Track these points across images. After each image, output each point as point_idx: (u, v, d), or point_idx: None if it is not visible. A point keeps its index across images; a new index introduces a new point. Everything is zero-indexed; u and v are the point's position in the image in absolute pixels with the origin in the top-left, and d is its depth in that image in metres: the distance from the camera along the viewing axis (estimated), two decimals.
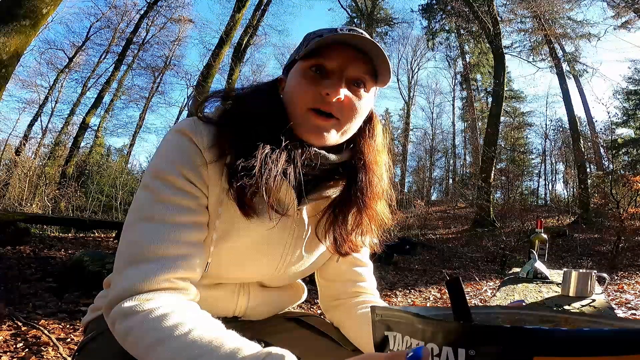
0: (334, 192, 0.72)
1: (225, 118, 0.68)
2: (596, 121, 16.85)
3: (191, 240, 0.61)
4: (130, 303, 0.55)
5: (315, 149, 0.67)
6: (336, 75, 0.67)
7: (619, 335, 0.30)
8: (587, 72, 16.14)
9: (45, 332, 2.27)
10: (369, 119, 0.76)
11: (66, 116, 15.43)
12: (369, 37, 0.65)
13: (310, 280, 0.91)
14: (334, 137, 0.68)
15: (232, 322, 0.76)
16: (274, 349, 0.49)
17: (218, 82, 14.08)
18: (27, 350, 2.07)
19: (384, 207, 0.77)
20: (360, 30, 0.67)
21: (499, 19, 13.12)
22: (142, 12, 15.84)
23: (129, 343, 0.54)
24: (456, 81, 24.07)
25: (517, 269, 2.29)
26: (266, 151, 0.63)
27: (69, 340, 2.28)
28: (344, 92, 0.66)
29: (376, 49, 0.65)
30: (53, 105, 15.75)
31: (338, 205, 0.73)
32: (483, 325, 0.34)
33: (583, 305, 1.53)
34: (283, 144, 0.65)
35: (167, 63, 17.90)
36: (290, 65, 0.72)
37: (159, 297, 0.56)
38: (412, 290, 4.91)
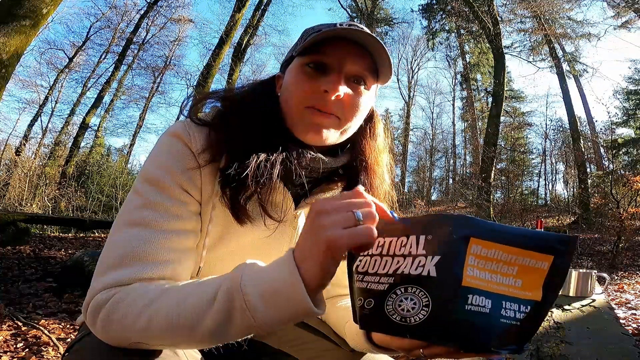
0: (333, 194, 0.71)
1: (219, 119, 0.65)
2: (596, 121, 16.86)
3: (179, 247, 0.59)
4: (109, 292, 0.52)
5: (312, 153, 0.64)
6: (335, 72, 0.63)
7: (531, 235, 0.44)
8: (587, 72, 16.12)
9: (45, 332, 2.26)
10: (370, 118, 0.74)
11: (66, 116, 15.46)
12: (369, 32, 0.62)
13: None
14: (333, 136, 0.65)
15: None
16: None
17: (218, 82, 14.07)
18: (27, 350, 2.07)
19: None
20: (361, 26, 0.64)
21: (499, 19, 13.09)
22: (142, 12, 15.84)
23: (116, 322, 0.50)
24: (456, 81, 24.07)
25: None
26: (260, 158, 0.61)
27: (69, 340, 2.27)
28: (343, 90, 0.62)
29: (377, 45, 0.62)
30: (53, 105, 15.79)
31: None
32: (437, 214, 0.48)
33: (583, 305, 1.52)
34: (279, 149, 0.62)
35: (167, 63, 17.89)
36: (287, 62, 0.69)
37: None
38: None
